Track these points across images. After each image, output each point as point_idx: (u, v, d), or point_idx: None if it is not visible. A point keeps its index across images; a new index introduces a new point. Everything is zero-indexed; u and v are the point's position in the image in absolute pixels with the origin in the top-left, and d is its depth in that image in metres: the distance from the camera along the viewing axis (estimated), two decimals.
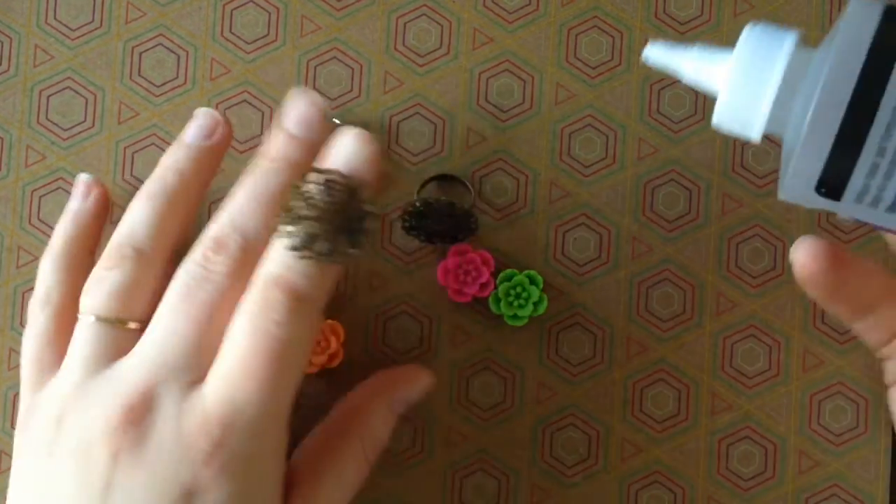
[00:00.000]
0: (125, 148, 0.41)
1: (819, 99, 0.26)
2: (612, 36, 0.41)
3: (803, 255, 0.32)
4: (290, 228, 0.31)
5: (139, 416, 0.30)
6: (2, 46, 0.42)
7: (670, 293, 0.40)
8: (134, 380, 0.31)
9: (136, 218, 0.34)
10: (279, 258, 0.31)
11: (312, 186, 0.31)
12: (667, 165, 0.41)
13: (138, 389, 0.31)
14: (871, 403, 0.40)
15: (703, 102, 0.41)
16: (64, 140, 0.41)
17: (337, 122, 0.41)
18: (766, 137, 0.29)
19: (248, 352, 0.31)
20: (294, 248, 0.31)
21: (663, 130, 0.41)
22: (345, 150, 0.33)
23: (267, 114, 0.41)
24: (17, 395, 0.41)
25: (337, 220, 0.31)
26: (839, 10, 0.41)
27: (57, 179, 0.41)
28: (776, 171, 0.41)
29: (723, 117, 0.29)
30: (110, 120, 0.41)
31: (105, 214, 0.39)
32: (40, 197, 0.41)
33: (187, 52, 0.41)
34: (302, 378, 0.32)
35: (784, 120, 0.28)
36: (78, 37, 0.42)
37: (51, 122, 0.41)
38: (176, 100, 0.41)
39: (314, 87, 0.41)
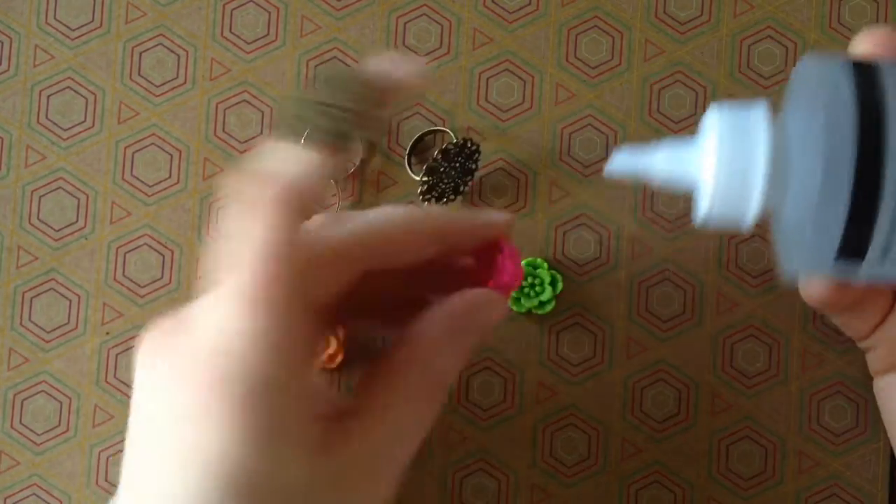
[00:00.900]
0: (125, 148, 0.41)
1: (824, 174, 0.25)
2: (612, 36, 0.41)
3: (817, 290, 0.33)
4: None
5: None
6: (2, 46, 0.42)
7: (670, 293, 0.40)
8: None
9: None
10: None
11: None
12: None
13: None
14: (870, 403, 0.40)
15: (702, 103, 0.41)
16: (64, 140, 0.41)
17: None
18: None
19: None
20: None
21: (663, 130, 0.41)
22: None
23: (267, 114, 0.41)
24: (17, 395, 0.41)
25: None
26: (839, 10, 0.41)
27: (57, 179, 0.41)
28: None
29: (712, 214, 0.27)
30: (110, 120, 0.41)
31: None
32: (40, 197, 0.41)
33: (187, 52, 0.41)
34: None
35: (774, 199, 0.27)
36: (78, 37, 0.42)
37: (51, 122, 0.41)
38: (176, 100, 0.41)
39: (314, 87, 0.41)
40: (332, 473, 0.27)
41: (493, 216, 0.32)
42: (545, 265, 0.40)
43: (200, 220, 0.41)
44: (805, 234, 0.26)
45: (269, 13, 0.41)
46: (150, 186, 0.41)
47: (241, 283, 0.25)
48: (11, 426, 0.41)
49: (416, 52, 0.41)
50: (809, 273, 0.28)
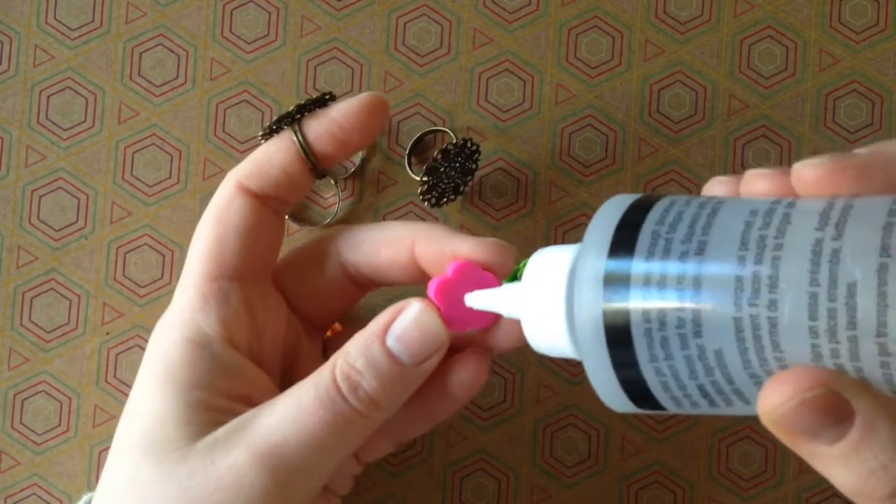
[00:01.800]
0: (125, 148, 0.41)
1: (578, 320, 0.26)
2: (612, 36, 0.41)
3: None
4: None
5: None
6: (2, 46, 0.42)
7: None
8: None
9: None
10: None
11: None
12: (666, 165, 0.41)
13: None
14: None
15: (702, 103, 0.41)
16: (64, 140, 0.41)
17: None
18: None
19: None
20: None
21: (663, 130, 0.41)
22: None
23: (267, 114, 0.41)
24: (17, 395, 0.41)
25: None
26: (839, 9, 0.41)
27: (57, 179, 0.41)
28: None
29: (535, 345, 0.29)
30: (110, 120, 0.41)
31: None
32: (40, 197, 0.41)
33: (187, 52, 0.41)
34: None
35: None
36: (78, 37, 0.42)
37: (51, 122, 0.41)
38: (176, 100, 0.41)
39: (314, 88, 0.41)
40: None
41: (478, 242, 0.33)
42: None
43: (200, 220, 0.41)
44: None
45: (269, 13, 0.41)
46: (150, 186, 0.41)
47: None
48: (11, 426, 0.41)
49: (416, 52, 0.41)
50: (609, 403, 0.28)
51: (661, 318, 0.24)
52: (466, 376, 0.33)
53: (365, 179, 0.41)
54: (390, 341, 0.31)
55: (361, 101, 0.34)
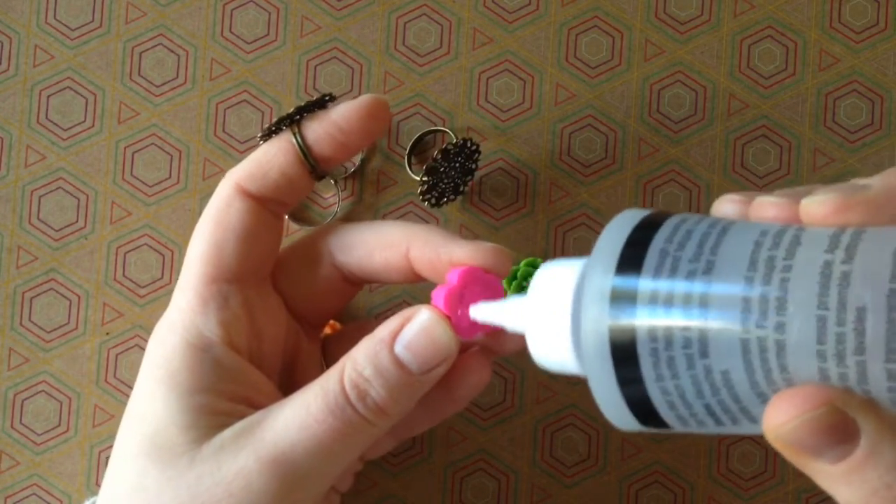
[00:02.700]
0: (125, 148, 0.41)
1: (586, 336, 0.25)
2: (612, 36, 0.41)
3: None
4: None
5: None
6: (2, 46, 0.42)
7: None
8: None
9: None
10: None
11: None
12: (666, 165, 0.41)
13: None
14: None
15: (703, 103, 0.41)
16: (64, 140, 0.41)
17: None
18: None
19: None
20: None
21: (663, 130, 0.41)
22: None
23: (267, 114, 0.41)
24: (17, 395, 0.41)
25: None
26: (839, 9, 0.41)
27: (57, 179, 0.41)
28: (776, 170, 0.41)
29: (539, 361, 0.29)
30: (110, 120, 0.41)
31: None
32: (40, 197, 0.41)
33: (187, 52, 0.41)
34: None
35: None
36: (78, 37, 0.42)
37: (51, 122, 0.41)
38: (176, 100, 0.41)
39: (314, 87, 0.41)
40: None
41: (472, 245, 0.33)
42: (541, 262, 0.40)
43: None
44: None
45: (269, 13, 0.41)
46: (150, 186, 0.41)
47: None
48: (11, 426, 0.41)
49: (416, 52, 0.41)
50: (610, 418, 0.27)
51: (668, 337, 0.24)
52: (470, 378, 0.33)
53: (365, 179, 0.41)
54: (399, 349, 0.30)
55: (362, 103, 0.34)
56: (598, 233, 0.40)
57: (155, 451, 0.31)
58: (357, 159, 0.41)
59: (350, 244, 0.35)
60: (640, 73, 0.41)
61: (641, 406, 0.25)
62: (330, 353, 0.37)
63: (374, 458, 0.36)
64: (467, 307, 0.31)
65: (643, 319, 0.24)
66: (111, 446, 0.40)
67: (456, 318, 0.31)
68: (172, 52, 0.41)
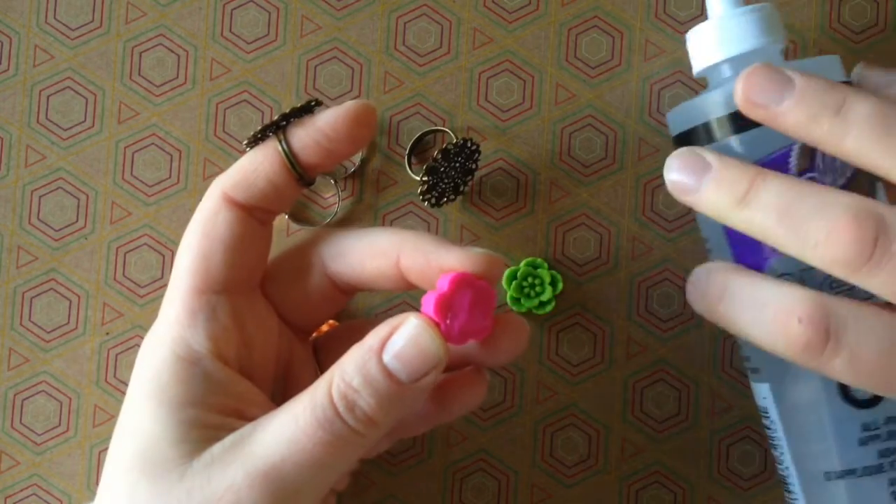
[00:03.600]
0: (125, 148, 0.41)
1: None
2: (612, 36, 0.41)
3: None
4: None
5: None
6: (2, 46, 0.42)
7: (670, 293, 0.40)
8: None
9: None
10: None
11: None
12: None
13: None
14: None
15: None
16: (64, 140, 0.41)
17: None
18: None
19: None
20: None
21: (663, 131, 0.41)
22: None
23: (267, 114, 0.41)
24: (17, 395, 0.41)
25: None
26: (839, 10, 0.41)
27: (57, 179, 0.41)
28: None
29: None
30: (110, 120, 0.41)
31: None
32: (40, 197, 0.41)
33: (187, 52, 0.41)
34: None
35: None
36: (78, 37, 0.42)
37: (51, 122, 0.41)
38: (176, 100, 0.41)
39: (314, 87, 0.41)
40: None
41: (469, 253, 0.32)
42: (545, 265, 0.40)
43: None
44: None
45: (269, 13, 0.41)
46: (150, 186, 0.41)
47: None
48: (11, 426, 0.41)
49: (416, 52, 0.41)
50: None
51: None
52: (464, 396, 0.33)
53: (365, 179, 0.41)
54: (387, 358, 0.30)
55: (348, 109, 0.33)
56: (598, 233, 0.40)
57: (146, 465, 0.30)
58: (357, 159, 0.41)
59: (341, 253, 0.34)
60: (640, 73, 0.41)
61: None
62: (324, 355, 0.37)
63: (370, 458, 0.36)
64: (458, 314, 0.31)
65: None
66: None
67: (445, 325, 0.30)
68: (172, 52, 0.41)
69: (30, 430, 0.41)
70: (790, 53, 0.41)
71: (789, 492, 0.35)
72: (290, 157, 0.33)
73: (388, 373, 0.30)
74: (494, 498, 0.40)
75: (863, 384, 0.30)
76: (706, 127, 0.34)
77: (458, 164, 0.39)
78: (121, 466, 0.31)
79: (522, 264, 0.40)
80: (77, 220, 0.41)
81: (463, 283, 0.31)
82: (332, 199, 0.41)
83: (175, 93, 0.41)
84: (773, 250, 0.32)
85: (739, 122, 0.32)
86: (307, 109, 0.34)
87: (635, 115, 0.41)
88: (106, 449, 0.40)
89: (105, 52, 0.42)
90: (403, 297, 0.41)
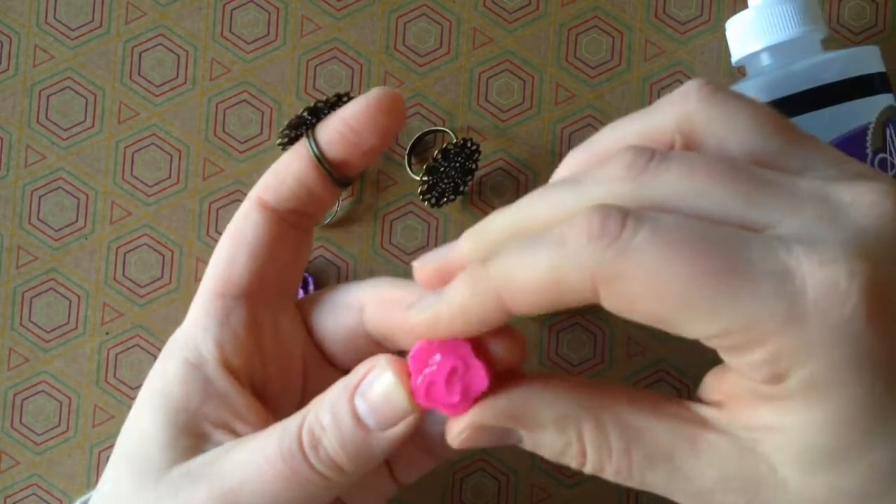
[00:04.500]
0: (125, 148, 0.41)
1: None
2: (612, 36, 0.41)
3: None
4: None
5: None
6: (2, 46, 0.42)
7: None
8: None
9: None
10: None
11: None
12: None
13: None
14: None
15: None
16: (64, 140, 0.41)
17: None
18: None
19: None
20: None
21: None
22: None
23: (267, 114, 0.41)
24: (17, 395, 0.41)
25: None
26: (839, 10, 0.41)
27: (57, 179, 0.41)
28: None
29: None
30: (110, 120, 0.41)
31: None
32: (40, 197, 0.41)
33: (187, 52, 0.41)
34: None
35: None
36: (78, 37, 0.42)
37: (51, 122, 0.41)
38: (176, 100, 0.41)
39: (314, 88, 0.41)
40: None
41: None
42: None
43: (200, 220, 0.41)
44: None
45: (269, 13, 0.41)
46: (150, 186, 0.41)
47: None
48: (11, 426, 0.41)
49: (416, 52, 0.41)
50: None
51: None
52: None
53: (365, 179, 0.41)
54: (358, 400, 0.28)
55: (370, 97, 0.32)
56: None
57: (133, 461, 0.30)
58: None
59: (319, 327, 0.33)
60: (640, 73, 0.41)
61: None
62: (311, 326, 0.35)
63: (412, 480, 0.34)
64: (434, 379, 0.27)
65: None
66: (111, 446, 0.40)
67: (415, 384, 0.27)
68: (172, 52, 0.41)
69: (30, 430, 0.41)
70: None
71: None
72: (318, 154, 0.32)
73: (356, 416, 0.27)
74: (494, 498, 0.40)
75: (656, 267, 0.23)
76: None
77: (458, 164, 0.39)
78: (115, 457, 0.31)
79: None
80: (77, 220, 0.41)
81: (450, 348, 0.27)
82: None
83: (175, 93, 0.41)
84: None
85: (782, 109, 0.33)
86: (338, 102, 0.32)
87: None
88: (106, 449, 0.40)
89: (105, 52, 0.42)
90: None
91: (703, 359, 0.40)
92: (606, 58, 0.41)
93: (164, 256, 0.41)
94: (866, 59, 0.35)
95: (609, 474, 0.27)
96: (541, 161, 0.41)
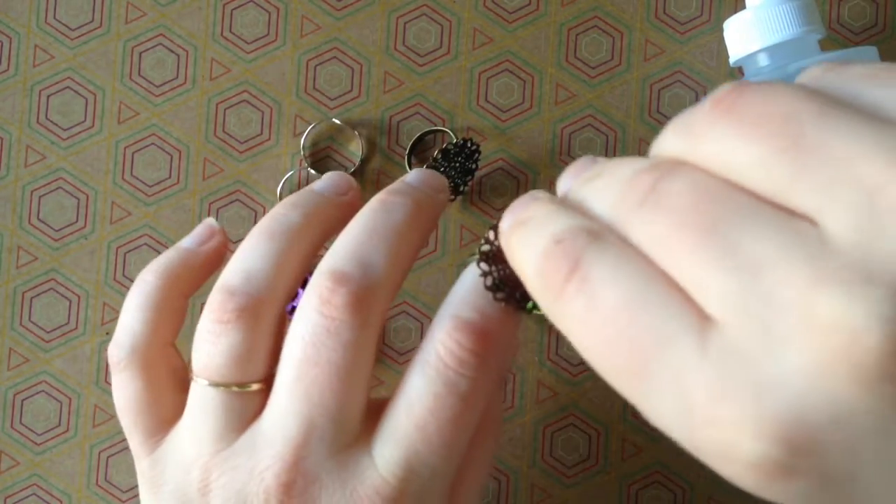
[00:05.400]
0: (125, 148, 0.41)
1: None
2: (612, 36, 0.41)
3: None
4: (485, 267, 0.27)
5: (300, 490, 0.28)
6: (2, 46, 0.42)
7: None
8: (282, 453, 0.28)
9: (252, 258, 0.29)
10: (471, 299, 0.28)
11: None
12: None
13: (288, 463, 0.28)
14: None
15: None
16: (64, 140, 0.41)
17: (337, 121, 0.41)
18: None
19: (429, 413, 0.27)
20: (491, 289, 0.27)
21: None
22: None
23: (267, 114, 0.41)
24: (17, 395, 0.41)
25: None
26: (839, 10, 0.41)
27: (57, 179, 0.41)
28: None
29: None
30: (110, 120, 0.41)
31: (217, 266, 0.33)
32: (40, 197, 0.41)
33: (187, 52, 0.41)
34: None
35: None
36: (78, 37, 0.42)
37: (51, 122, 0.41)
38: (176, 100, 0.41)
39: (314, 88, 0.41)
40: None
41: None
42: None
43: (200, 220, 0.41)
44: None
45: (269, 13, 0.41)
46: (150, 186, 0.41)
47: None
48: (11, 426, 0.41)
49: (416, 52, 0.41)
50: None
51: None
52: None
53: (365, 179, 0.41)
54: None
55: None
56: None
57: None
58: (357, 159, 0.41)
59: None
60: (640, 73, 0.41)
61: None
62: None
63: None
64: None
65: None
66: (111, 446, 0.40)
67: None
68: (172, 52, 0.41)
69: (30, 430, 0.41)
70: None
71: None
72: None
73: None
74: (494, 498, 0.40)
75: (588, 343, 0.22)
76: None
77: (458, 164, 0.39)
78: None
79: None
80: (77, 220, 0.41)
81: None
82: None
83: (175, 93, 0.41)
84: None
85: None
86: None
87: (635, 116, 0.41)
88: (106, 449, 0.40)
89: (105, 52, 0.42)
90: (403, 296, 0.41)
91: None
92: (606, 58, 0.41)
93: None
94: (863, 60, 0.35)
95: None
96: (541, 161, 0.41)
